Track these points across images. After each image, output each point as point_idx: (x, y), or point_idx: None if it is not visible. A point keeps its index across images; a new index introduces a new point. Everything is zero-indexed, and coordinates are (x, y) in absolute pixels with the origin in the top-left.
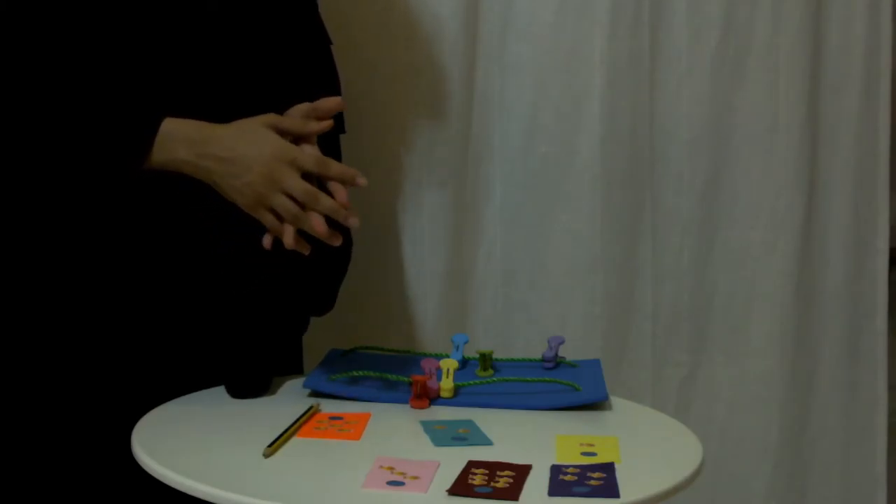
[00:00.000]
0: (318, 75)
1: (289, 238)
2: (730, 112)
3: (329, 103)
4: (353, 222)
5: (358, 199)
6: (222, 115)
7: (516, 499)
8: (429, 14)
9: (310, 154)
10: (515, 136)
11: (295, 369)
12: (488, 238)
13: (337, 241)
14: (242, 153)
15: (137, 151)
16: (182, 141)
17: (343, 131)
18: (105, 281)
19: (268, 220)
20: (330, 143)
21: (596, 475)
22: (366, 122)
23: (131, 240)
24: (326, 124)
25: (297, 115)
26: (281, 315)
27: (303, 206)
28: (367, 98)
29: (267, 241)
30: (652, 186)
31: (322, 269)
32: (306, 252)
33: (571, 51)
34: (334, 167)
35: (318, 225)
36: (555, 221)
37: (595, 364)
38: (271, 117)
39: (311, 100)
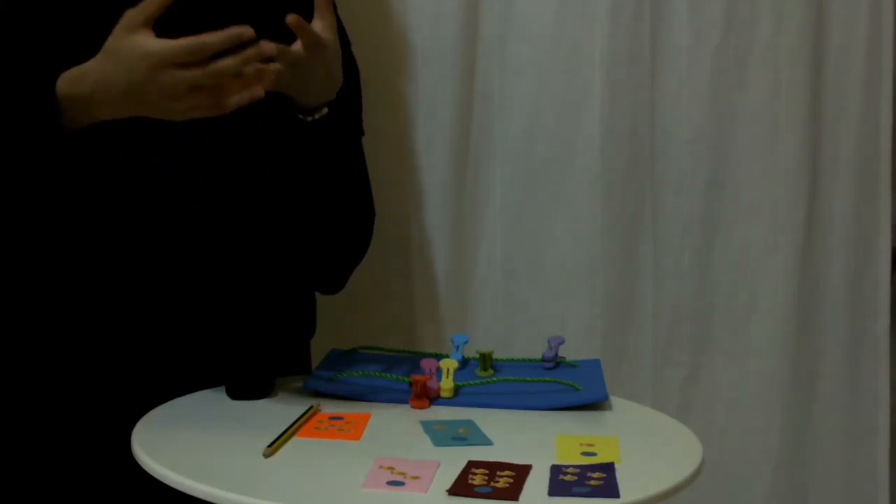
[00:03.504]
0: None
1: (228, 106)
2: (731, 112)
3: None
4: (268, 49)
5: None
6: (241, 111)
7: (516, 499)
8: (429, 14)
9: (177, 44)
10: (515, 136)
11: (303, 371)
12: (488, 238)
13: (260, 93)
14: (128, 83)
15: (46, 126)
16: (78, 101)
17: (362, 133)
18: (105, 281)
19: (205, 106)
20: (352, 146)
21: (596, 475)
22: (366, 122)
23: (131, 240)
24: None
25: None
26: (292, 293)
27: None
28: (368, 98)
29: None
30: (652, 186)
31: (339, 247)
32: (261, 94)
33: (571, 51)
34: (213, 38)
35: (234, 103)
36: (555, 221)
37: (595, 364)
38: (128, 17)
39: (335, 100)
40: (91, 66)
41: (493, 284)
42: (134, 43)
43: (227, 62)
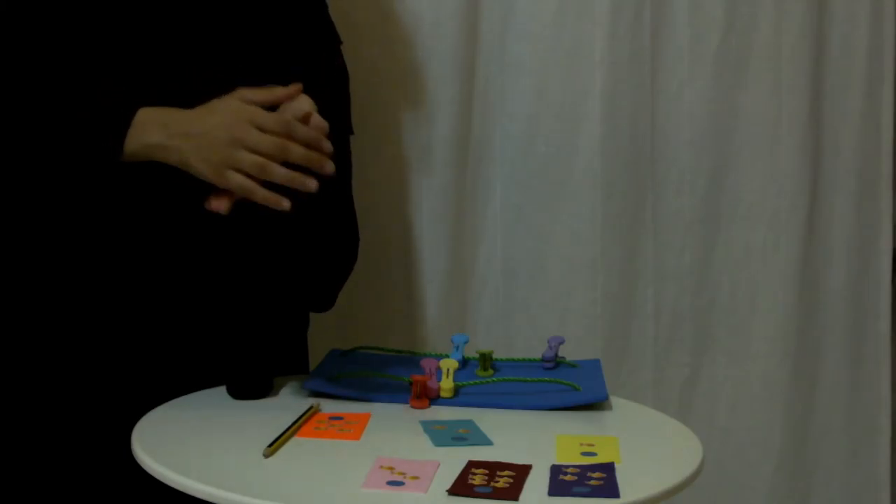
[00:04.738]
0: (328, 74)
1: (260, 192)
2: (732, 112)
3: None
4: (328, 168)
5: (358, 199)
6: None
7: (516, 499)
8: (429, 14)
9: (271, 114)
10: (515, 136)
11: (301, 368)
12: (489, 238)
13: (312, 185)
14: (208, 125)
15: (112, 141)
16: (153, 125)
17: (351, 132)
18: (106, 281)
19: (235, 181)
20: (338, 145)
21: (596, 475)
22: (366, 122)
23: (133, 241)
24: (295, 88)
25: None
26: (281, 311)
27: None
28: (368, 98)
29: (224, 205)
30: (653, 187)
31: (325, 265)
32: (287, 207)
33: (571, 51)
34: (300, 130)
35: (283, 174)
36: (555, 221)
37: (595, 364)
38: (240, 91)
39: (321, 99)
40: (187, 110)
41: (493, 284)
42: (233, 101)
43: (303, 152)
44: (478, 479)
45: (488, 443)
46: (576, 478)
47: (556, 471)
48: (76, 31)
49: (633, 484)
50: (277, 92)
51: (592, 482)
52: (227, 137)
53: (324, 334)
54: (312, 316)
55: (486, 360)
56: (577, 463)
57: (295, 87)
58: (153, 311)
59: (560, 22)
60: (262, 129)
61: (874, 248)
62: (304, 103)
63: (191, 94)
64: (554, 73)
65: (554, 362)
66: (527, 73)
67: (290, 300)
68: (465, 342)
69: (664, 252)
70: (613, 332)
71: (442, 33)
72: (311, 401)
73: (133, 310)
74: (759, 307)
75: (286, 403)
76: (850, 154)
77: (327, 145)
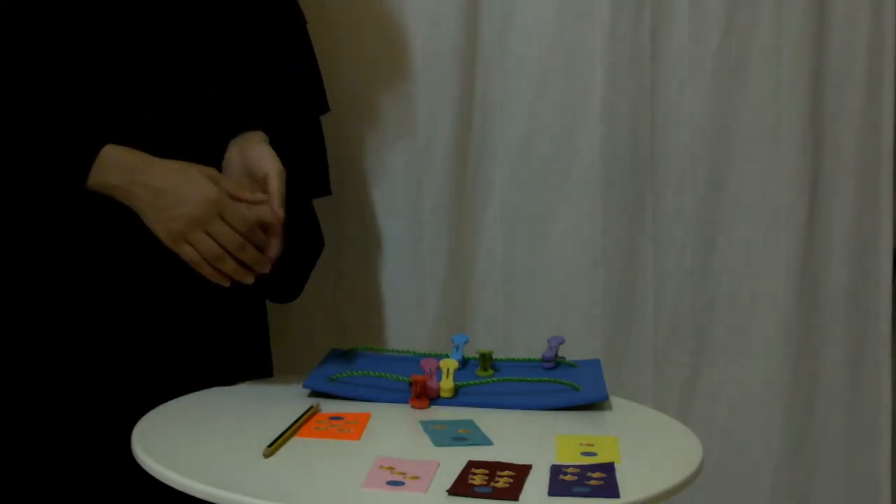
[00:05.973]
0: (294, 54)
1: (208, 270)
2: (732, 112)
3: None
4: (266, 269)
5: (358, 199)
6: (196, 98)
7: (516, 499)
8: (429, 14)
9: (239, 213)
10: (515, 136)
11: (265, 371)
12: (488, 238)
13: (250, 280)
14: (176, 187)
15: (75, 175)
16: (117, 167)
17: (327, 109)
18: (104, 281)
19: (188, 253)
20: (311, 123)
21: (596, 475)
22: (365, 121)
23: (130, 240)
24: (261, 197)
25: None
26: (247, 302)
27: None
28: (367, 98)
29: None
30: (653, 186)
31: (292, 260)
32: (227, 285)
33: (571, 51)
34: (258, 235)
35: (232, 268)
36: (555, 221)
37: (595, 364)
38: (212, 171)
39: (289, 78)
40: (159, 159)
41: (493, 284)
42: (206, 180)
43: (255, 256)
44: (478, 479)
45: (488, 443)
46: (576, 478)
47: (556, 471)
48: (51, 36)
49: (633, 484)
50: (246, 194)
51: (592, 482)
52: (191, 214)
53: (322, 334)
54: (312, 315)
55: (486, 360)
56: (577, 463)
57: (263, 197)
58: (152, 311)
59: (560, 22)
60: (225, 221)
61: (874, 248)
62: (268, 212)
63: (151, 83)
64: (554, 73)
65: (554, 362)
66: (527, 73)
67: (257, 292)
68: (465, 342)
69: (664, 252)
70: (613, 332)
71: (442, 33)
72: (311, 401)
73: (132, 310)
74: (759, 307)
75: (286, 403)
76: (850, 154)
77: (274, 251)
